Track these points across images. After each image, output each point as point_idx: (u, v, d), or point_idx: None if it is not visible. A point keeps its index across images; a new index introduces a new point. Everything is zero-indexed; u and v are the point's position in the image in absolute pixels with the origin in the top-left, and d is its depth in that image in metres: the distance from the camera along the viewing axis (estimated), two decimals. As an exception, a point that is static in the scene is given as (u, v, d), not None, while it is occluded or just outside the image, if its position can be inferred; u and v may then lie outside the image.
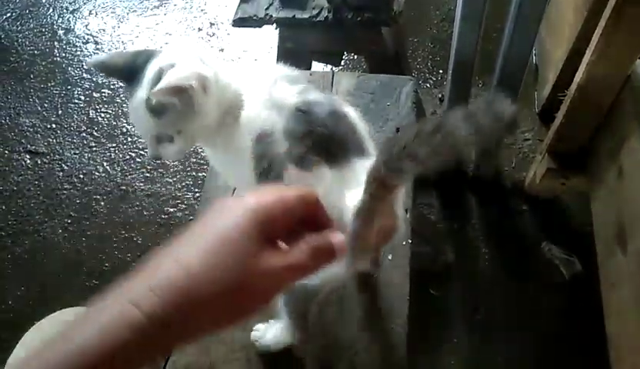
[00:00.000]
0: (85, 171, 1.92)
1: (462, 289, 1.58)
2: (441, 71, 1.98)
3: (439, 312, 1.54)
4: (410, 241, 1.02)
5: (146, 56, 0.75)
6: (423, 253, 1.60)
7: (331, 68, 1.77)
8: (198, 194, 1.81)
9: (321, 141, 0.71)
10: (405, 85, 1.17)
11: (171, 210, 1.80)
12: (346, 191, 0.67)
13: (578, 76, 1.29)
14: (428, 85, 1.95)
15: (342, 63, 1.97)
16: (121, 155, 1.95)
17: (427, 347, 1.46)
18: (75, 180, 1.90)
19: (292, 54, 1.46)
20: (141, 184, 1.87)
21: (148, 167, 1.90)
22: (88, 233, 1.78)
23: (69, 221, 1.81)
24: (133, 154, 1.94)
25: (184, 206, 1.80)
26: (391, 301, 0.94)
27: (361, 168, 0.68)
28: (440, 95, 1.91)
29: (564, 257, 1.59)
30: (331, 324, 0.92)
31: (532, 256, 1.62)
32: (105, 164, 1.93)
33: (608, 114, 1.33)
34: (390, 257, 0.99)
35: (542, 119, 1.83)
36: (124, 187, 1.87)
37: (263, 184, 0.72)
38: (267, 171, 0.72)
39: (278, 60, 1.48)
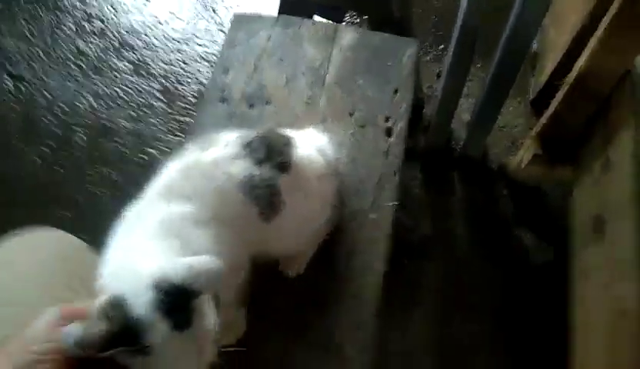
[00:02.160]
0: (67, 102, 1.86)
1: (435, 263, 1.59)
2: (441, 47, 1.96)
3: (410, 282, 1.55)
4: (396, 203, 1.02)
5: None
6: (401, 222, 1.61)
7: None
8: (181, 140, 1.77)
9: None
10: (408, 47, 1.15)
11: (153, 151, 1.77)
12: None
13: (579, 64, 1.29)
14: (427, 59, 1.93)
15: (344, 23, 1.94)
16: (107, 90, 1.89)
17: (393, 314, 1.48)
18: (57, 109, 1.85)
19: (294, 5, 1.42)
20: (125, 122, 1.82)
21: (134, 105, 1.85)
22: (65, 164, 1.74)
23: (47, 150, 1.77)
24: (119, 91, 1.88)
25: (166, 149, 1.77)
26: (369, 258, 0.94)
27: None
28: (438, 71, 1.90)
29: (537, 244, 1.62)
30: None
31: (507, 239, 1.64)
32: (89, 97, 1.88)
33: (602, 106, 1.33)
34: (374, 216, 0.99)
35: (534, 107, 1.83)
36: (106, 123, 1.82)
37: None
38: None
39: (280, 10, 1.45)
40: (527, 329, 1.49)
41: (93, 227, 1.54)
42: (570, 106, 1.36)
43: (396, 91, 1.11)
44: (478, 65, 1.93)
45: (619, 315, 1.04)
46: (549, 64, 1.72)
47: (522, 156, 1.59)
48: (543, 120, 1.49)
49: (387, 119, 1.08)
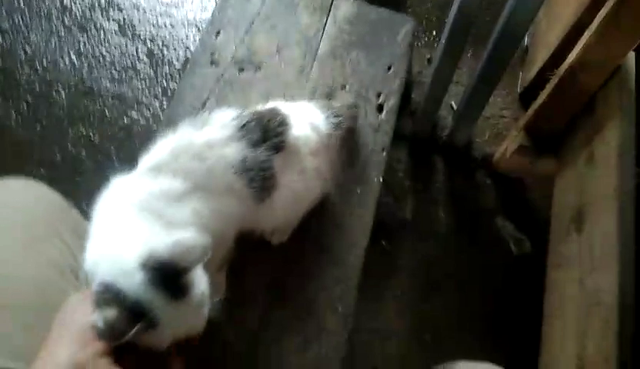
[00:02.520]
0: (49, 59, 1.80)
1: (413, 247, 1.60)
2: (434, 33, 1.95)
3: (387, 264, 1.55)
4: (382, 180, 1.01)
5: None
6: (383, 204, 1.61)
7: None
8: (165, 105, 1.73)
9: None
10: (405, 25, 1.14)
11: (135, 116, 1.72)
12: None
13: (571, 57, 1.29)
14: (418, 44, 1.92)
15: None
16: (90, 50, 1.83)
17: (370, 295, 1.48)
18: (38, 65, 1.79)
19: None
20: (108, 84, 1.77)
21: (117, 67, 1.80)
22: (44, 122, 1.69)
23: (25, 107, 1.71)
24: (104, 51, 1.83)
25: (149, 114, 1.73)
26: (353, 231, 0.93)
27: None
28: (429, 56, 1.89)
29: (516, 235, 1.63)
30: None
31: (486, 228, 1.66)
32: (72, 55, 1.82)
33: (590, 101, 1.35)
34: (359, 191, 0.98)
35: (522, 100, 1.84)
36: (89, 84, 1.77)
37: None
38: None
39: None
40: (500, 316, 1.51)
41: (70, 187, 1.51)
42: (558, 99, 1.37)
43: (390, 68, 1.09)
44: (469, 54, 1.93)
45: (593, 305, 1.05)
46: (540, 58, 1.73)
47: (507, 146, 1.60)
48: (530, 111, 1.50)
49: (379, 95, 1.07)
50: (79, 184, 1.57)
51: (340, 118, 0.90)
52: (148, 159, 0.74)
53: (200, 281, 0.60)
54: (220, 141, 0.74)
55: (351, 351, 0.88)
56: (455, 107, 1.81)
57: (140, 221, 0.66)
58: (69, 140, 1.66)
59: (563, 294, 1.24)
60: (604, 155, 1.21)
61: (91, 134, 1.67)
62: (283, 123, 0.80)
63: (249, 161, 0.74)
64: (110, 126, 1.69)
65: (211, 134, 0.74)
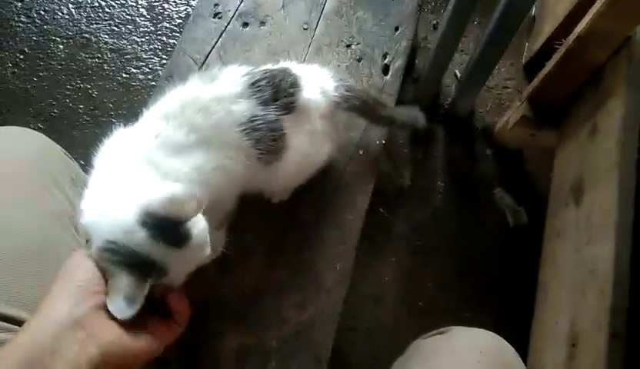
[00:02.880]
0: (46, 9, 1.76)
1: (410, 215, 1.59)
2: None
3: (384, 231, 1.55)
4: (384, 142, 1.00)
5: None
6: (383, 171, 1.60)
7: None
8: (164, 61, 1.70)
9: None
10: (414, -16, 1.11)
11: (134, 71, 1.69)
12: None
13: (580, 27, 1.27)
14: (425, 9, 1.89)
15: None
16: (89, 0, 1.79)
17: (365, 261, 1.49)
18: (35, 15, 1.74)
19: None
20: (107, 37, 1.74)
21: (117, 20, 1.76)
22: (41, 74, 1.65)
23: (21, 57, 1.67)
24: (102, 3, 1.78)
25: (147, 69, 1.70)
26: (354, 192, 0.92)
27: None
28: (435, 22, 1.86)
29: (513, 207, 1.63)
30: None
31: (483, 199, 1.65)
32: (70, 5, 1.77)
33: (596, 72, 1.33)
34: (361, 153, 0.97)
35: (526, 71, 1.82)
36: (87, 36, 1.73)
37: None
38: None
39: None
40: (496, 283, 1.52)
41: (66, 141, 1.49)
42: (565, 69, 1.35)
43: (397, 28, 1.07)
44: (475, 22, 1.90)
45: (588, 275, 1.06)
46: (547, 28, 1.70)
47: (510, 117, 1.58)
48: (535, 82, 1.48)
49: (385, 56, 1.05)
50: (76, 139, 1.55)
51: (350, 94, 0.88)
52: (154, 110, 0.73)
53: (198, 221, 0.60)
54: (229, 97, 0.72)
55: (344, 313, 0.88)
56: (458, 75, 1.79)
57: (138, 174, 0.65)
58: (66, 93, 1.63)
59: (558, 263, 1.24)
60: (607, 127, 1.20)
61: (88, 87, 1.64)
62: (295, 84, 0.78)
63: (258, 120, 0.73)
64: (108, 80, 1.66)
65: (219, 89, 0.73)
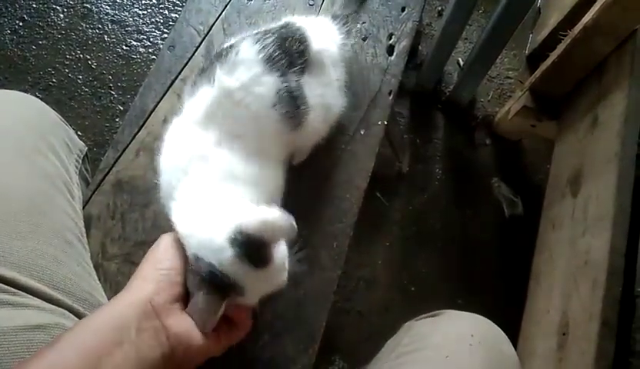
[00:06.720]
0: (47, -24, 1.73)
1: (407, 200, 1.60)
2: (446, -14, 1.90)
3: (380, 215, 1.55)
4: (385, 123, 0.99)
5: None
6: (382, 155, 1.60)
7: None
8: (165, 35, 1.68)
9: None
10: (422, -35, 1.10)
11: (135, 43, 1.67)
12: None
13: (587, 18, 1.26)
14: (430, -5, 1.88)
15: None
16: (91, -30, 1.76)
17: (360, 244, 1.49)
18: (35, -18, 1.72)
19: None
20: (108, 8, 1.71)
21: (119, -9, 1.74)
22: (40, 42, 1.63)
23: (20, 24, 1.65)
24: (105, -27, 1.76)
25: (148, 43, 1.68)
26: (353, 172, 0.92)
27: None
28: (440, 9, 1.84)
29: (509, 197, 1.64)
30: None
31: (480, 188, 1.66)
32: (71, -26, 1.75)
33: (600, 65, 1.33)
34: (362, 132, 0.96)
35: (529, 62, 1.82)
36: (88, 6, 1.71)
37: None
38: None
39: None
40: (490, 272, 1.53)
41: (64, 111, 1.47)
42: (568, 60, 1.35)
43: (403, 9, 1.06)
44: (480, 11, 1.89)
45: (582, 265, 1.06)
46: (552, 20, 1.69)
47: (511, 107, 1.58)
48: (538, 72, 1.47)
49: (390, 36, 1.04)
50: (73, 109, 1.53)
51: (349, 25, 0.89)
52: (195, 110, 0.73)
53: (280, 245, 0.63)
54: (253, 82, 0.72)
55: (337, 295, 0.88)
56: (461, 63, 1.78)
57: (222, 190, 0.68)
58: (66, 64, 1.61)
59: (553, 253, 1.25)
60: (608, 120, 1.20)
61: (88, 58, 1.63)
62: (302, 39, 0.78)
63: (282, 91, 0.73)
64: (108, 52, 1.65)
65: (243, 76, 0.72)
